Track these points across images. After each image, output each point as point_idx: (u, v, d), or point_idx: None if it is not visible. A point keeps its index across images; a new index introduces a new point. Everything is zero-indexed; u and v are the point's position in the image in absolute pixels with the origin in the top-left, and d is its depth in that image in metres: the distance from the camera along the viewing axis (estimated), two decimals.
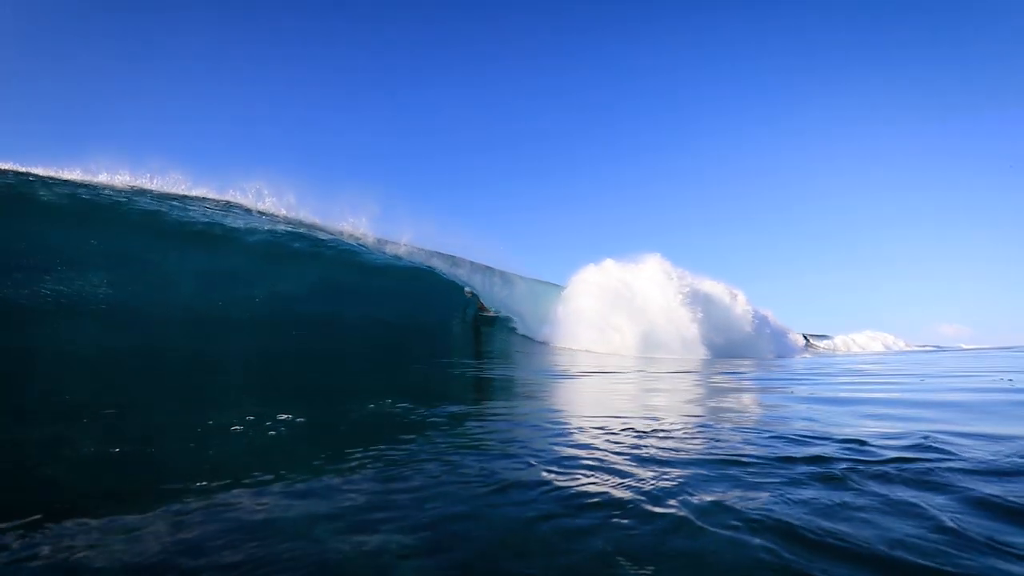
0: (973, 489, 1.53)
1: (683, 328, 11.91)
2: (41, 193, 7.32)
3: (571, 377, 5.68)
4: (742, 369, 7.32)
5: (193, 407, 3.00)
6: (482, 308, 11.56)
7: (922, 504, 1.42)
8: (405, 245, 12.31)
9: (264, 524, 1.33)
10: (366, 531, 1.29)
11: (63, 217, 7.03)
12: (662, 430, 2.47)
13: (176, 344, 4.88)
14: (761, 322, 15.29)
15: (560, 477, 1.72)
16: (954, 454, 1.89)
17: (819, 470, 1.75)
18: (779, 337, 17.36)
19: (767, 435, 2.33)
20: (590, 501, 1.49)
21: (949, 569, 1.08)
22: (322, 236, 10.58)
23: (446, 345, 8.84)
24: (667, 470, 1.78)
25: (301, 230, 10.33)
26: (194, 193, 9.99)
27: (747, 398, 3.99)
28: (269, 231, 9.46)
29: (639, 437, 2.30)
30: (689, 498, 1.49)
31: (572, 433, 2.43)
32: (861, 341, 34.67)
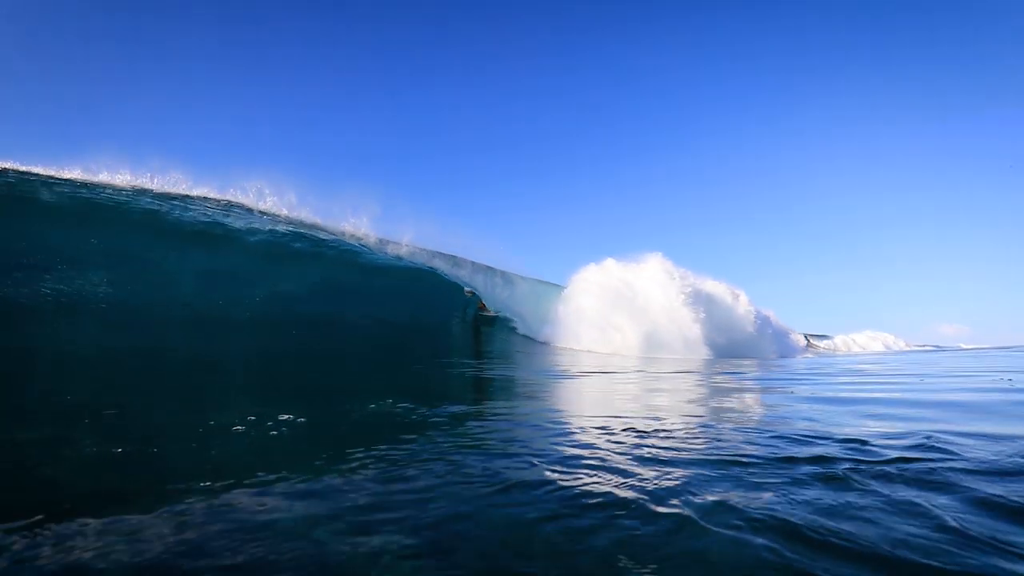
0: (976, 489, 1.52)
1: (685, 328, 11.86)
2: (41, 192, 7.32)
3: (572, 377, 5.67)
4: (743, 369, 7.32)
5: (194, 407, 3.00)
6: (482, 307, 11.54)
7: (925, 504, 1.42)
8: (407, 245, 12.29)
9: (265, 525, 1.33)
10: (368, 532, 1.29)
11: (63, 217, 7.03)
12: (664, 430, 2.46)
13: (178, 344, 4.88)
14: (763, 322, 15.28)
15: (563, 477, 1.72)
16: (956, 454, 1.89)
17: (821, 470, 1.75)
18: (781, 338, 17.36)
19: (768, 435, 2.33)
20: (593, 501, 1.48)
21: (952, 568, 1.08)
22: (324, 236, 10.58)
23: (447, 345, 8.84)
24: (669, 470, 1.78)
25: (302, 230, 10.33)
26: (195, 193, 9.98)
27: (748, 398, 3.99)
28: (270, 231, 9.45)
29: (641, 437, 2.30)
30: (692, 498, 1.49)
31: (574, 433, 2.43)
32: (861, 341, 34.68)
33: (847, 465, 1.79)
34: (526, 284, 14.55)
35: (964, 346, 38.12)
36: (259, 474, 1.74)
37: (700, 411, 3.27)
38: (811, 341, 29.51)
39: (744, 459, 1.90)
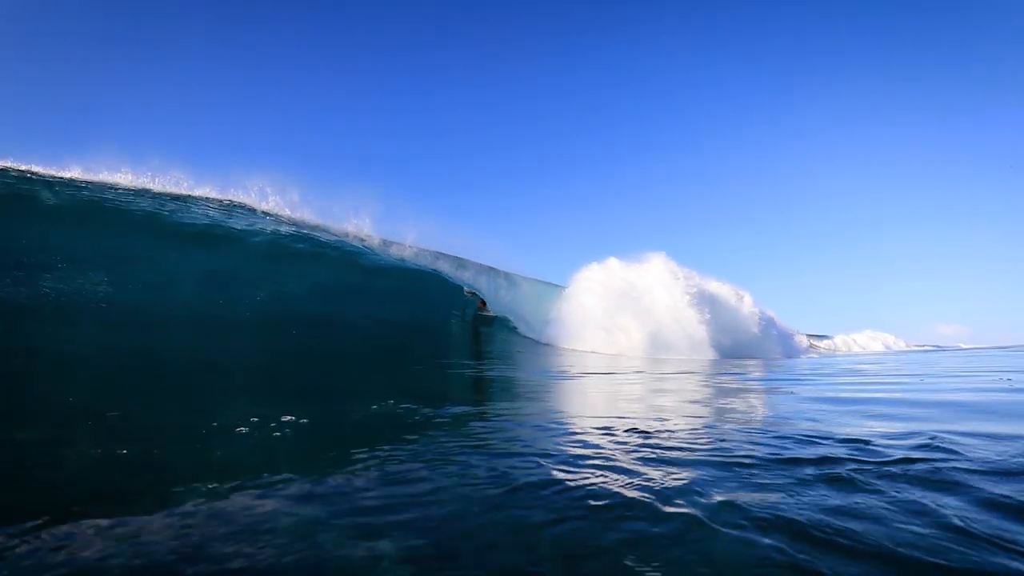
0: (982, 489, 1.53)
1: (691, 329, 11.75)
2: (41, 192, 7.30)
3: (576, 378, 5.67)
4: (746, 370, 7.33)
5: (196, 408, 2.99)
6: (482, 307, 11.50)
7: (931, 504, 1.42)
8: (410, 247, 12.26)
9: (268, 528, 1.32)
10: (372, 536, 1.28)
11: (63, 216, 7.02)
12: (668, 431, 2.47)
13: (180, 344, 4.87)
14: (768, 323, 15.25)
15: (569, 478, 1.72)
16: (960, 454, 1.90)
17: (826, 470, 1.75)
18: (785, 339, 17.31)
19: (772, 435, 2.33)
20: (600, 502, 1.48)
21: (959, 567, 1.09)
22: (326, 238, 10.56)
23: (450, 346, 8.82)
24: (675, 470, 1.78)
25: (305, 231, 10.31)
26: (197, 193, 9.97)
27: (752, 399, 3.99)
28: (273, 232, 9.44)
29: (646, 438, 2.30)
30: (698, 498, 1.49)
31: (578, 433, 2.43)
32: (861, 341, 34.72)
33: (852, 465, 1.79)
34: (527, 285, 14.51)
35: (963, 346, 38.18)
36: (261, 475, 1.74)
37: (704, 412, 3.28)
38: (811, 342, 29.53)
39: (749, 460, 1.90)
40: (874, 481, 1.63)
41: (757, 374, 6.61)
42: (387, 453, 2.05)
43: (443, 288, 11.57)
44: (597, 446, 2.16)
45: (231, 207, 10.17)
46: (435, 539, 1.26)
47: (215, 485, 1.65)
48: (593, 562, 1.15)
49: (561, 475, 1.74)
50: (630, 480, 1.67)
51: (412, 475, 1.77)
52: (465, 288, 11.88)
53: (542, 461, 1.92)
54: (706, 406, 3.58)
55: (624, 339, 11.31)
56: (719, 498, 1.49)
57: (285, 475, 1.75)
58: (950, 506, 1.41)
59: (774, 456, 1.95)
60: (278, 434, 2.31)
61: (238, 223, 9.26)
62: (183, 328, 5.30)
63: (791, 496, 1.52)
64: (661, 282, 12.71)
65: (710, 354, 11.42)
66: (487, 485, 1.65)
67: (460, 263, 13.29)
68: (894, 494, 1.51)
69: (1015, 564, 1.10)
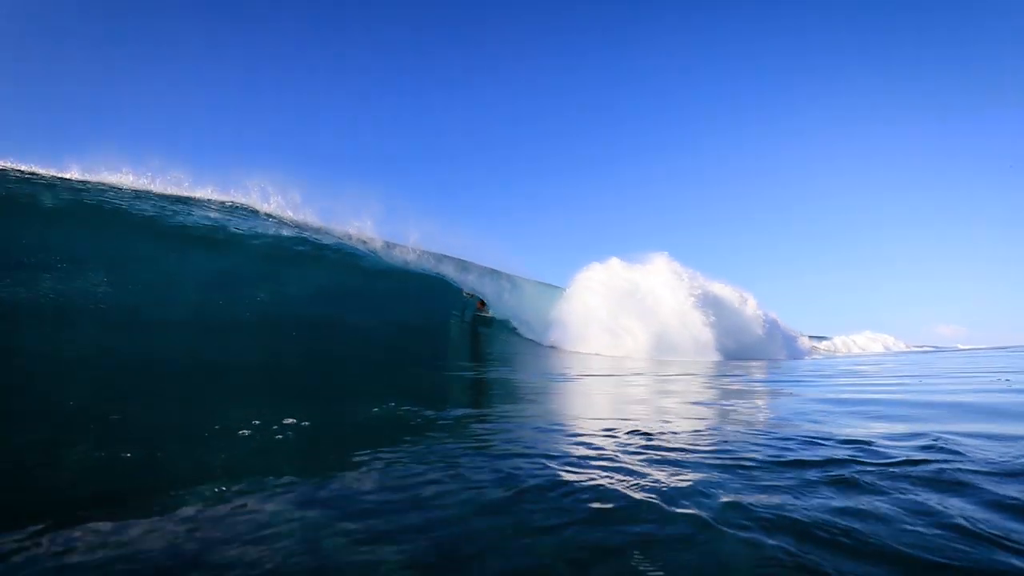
0: (987, 490, 1.53)
1: (696, 331, 11.69)
2: (42, 193, 7.28)
3: (577, 380, 5.67)
4: (748, 371, 7.34)
5: (198, 410, 2.98)
6: (480, 308, 11.44)
7: (935, 505, 1.43)
8: (413, 249, 12.22)
9: (270, 533, 1.31)
10: (374, 541, 1.27)
11: (63, 217, 7.00)
12: (672, 432, 2.47)
13: (181, 347, 4.85)
14: (772, 325, 15.26)
15: (574, 480, 1.71)
16: (963, 455, 1.90)
17: (830, 472, 1.75)
18: (789, 340, 17.34)
19: (775, 437, 2.33)
20: (607, 505, 1.48)
21: (964, 567, 1.09)
22: (328, 240, 10.54)
23: (454, 349, 8.81)
24: (680, 472, 1.78)
25: (306, 234, 10.29)
26: (198, 194, 9.94)
27: (754, 400, 4.00)
28: (275, 235, 9.43)
29: (651, 439, 2.30)
30: (704, 500, 1.49)
31: (582, 436, 2.43)
32: (861, 342, 34.78)
33: (856, 467, 1.80)
34: (530, 287, 14.45)
35: (961, 346, 38.32)
36: (263, 478, 1.73)
37: (707, 413, 3.28)
38: (812, 343, 29.56)
39: (752, 461, 1.91)
40: (878, 482, 1.63)
41: (758, 376, 6.62)
42: (389, 455, 2.05)
43: (445, 291, 11.53)
44: (600, 448, 2.16)
45: (232, 208, 10.15)
46: (437, 543, 1.25)
47: (216, 488, 1.64)
48: (601, 566, 1.15)
49: (565, 477, 1.74)
50: (635, 482, 1.67)
51: (414, 478, 1.76)
52: (464, 290, 11.84)
53: (546, 463, 1.92)
54: (708, 407, 3.58)
55: (630, 341, 11.18)
56: (724, 500, 1.49)
57: (286, 478, 1.74)
58: (955, 507, 1.41)
59: (778, 458, 1.95)
60: (280, 436, 2.30)
61: (240, 225, 9.24)
62: (184, 329, 5.29)
63: (796, 497, 1.52)
64: (665, 283, 12.61)
65: (715, 356, 11.36)
66: (490, 488, 1.65)
67: (463, 266, 13.22)
68: (899, 495, 1.52)
69: (1022, 564, 1.10)
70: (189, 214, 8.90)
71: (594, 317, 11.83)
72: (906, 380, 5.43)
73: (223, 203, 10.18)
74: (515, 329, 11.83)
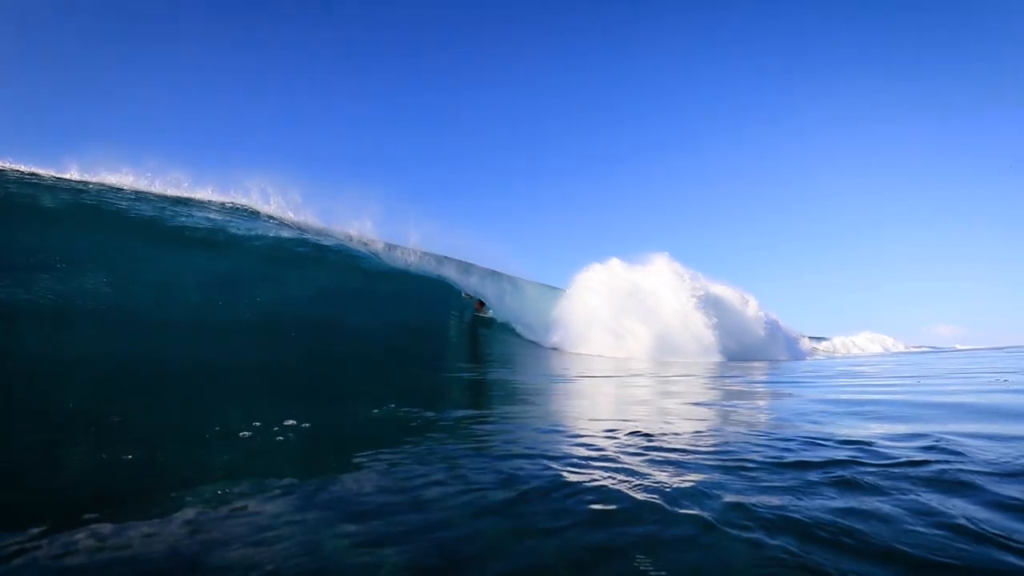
0: (989, 490, 1.53)
1: (699, 332, 11.64)
2: (41, 193, 7.27)
3: (580, 381, 5.67)
4: (748, 372, 7.34)
5: (199, 412, 2.98)
6: (479, 308, 11.42)
7: (938, 505, 1.43)
8: (414, 251, 12.21)
9: (270, 535, 1.31)
10: (375, 543, 1.26)
11: (62, 218, 6.98)
12: (674, 433, 2.47)
13: (182, 348, 4.85)
14: (773, 327, 15.26)
15: (575, 481, 1.71)
16: (965, 455, 1.90)
17: (832, 472, 1.75)
18: (791, 342, 17.35)
19: (776, 438, 2.34)
20: (610, 507, 1.48)
21: (967, 567, 1.09)
22: (329, 242, 10.53)
23: (455, 351, 8.81)
24: (681, 473, 1.78)
25: (307, 235, 10.28)
26: (199, 195, 9.93)
27: (754, 401, 4.00)
28: (275, 236, 9.42)
29: (652, 440, 2.30)
30: (706, 500, 1.49)
31: (585, 436, 2.43)
32: (860, 343, 34.78)
33: (857, 467, 1.80)
34: (531, 288, 14.42)
35: (960, 347, 38.37)
36: (263, 480, 1.72)
37: (709, 414, 3.28)
38: (812, 344, 29.57)
39: (753, 462, 1.91)
40: (880, 483, 1.63)
41: (759, 377, 6.62)
42: (389, 457, 2.05)
43: (447, 293, 11.52)
44: (602, 449, 2.16)
45: (233, 209, 10.14)
46: (439, 544, 1.25)
47: (216, 489, 1.63)
48: (604, 567, 1.15)
49: (567, 479, 1.74)
50: (637, 483, 1.67)
51: (414, 479, 1.76)
52: (463, 292, 11.83)
53: (548, 464, 1.92)
54: (709, 408, 3.59)
55: (633, 343, 11.12)
56: (727, 500, 1.49)
57: (287, 480, 1.73)
58: (957, 507, 1.41)
59: (779, 459, 1.95)
60: (280, 438, 2.30)
61: (240, 226, 9.23)
62: (185, 330, 5.28)
63: (798, 498, 1.52)
64: (667, 283, 12.54)
65: (717, 357, 11.32)
66: (491, 489, 1.64)
67: (465, 267, 13.18)
68: (900, 496, 1.52)
69: None
70: (189, 215, 8.89)
71: (596, 318, 11.77)
72: (905, 381, 5.43)
73: (223, 204, 10.17)
74: (516, 331, 11.80)
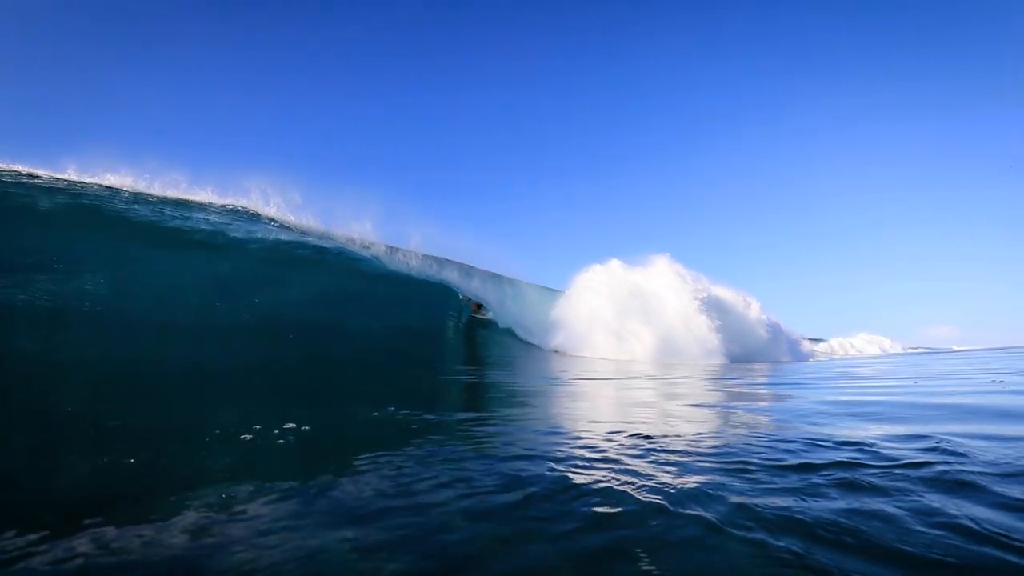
0: (993, 491, 1.53)
1: (702, 335, 11.58)
2: (38, 194, 7.24)
3: (581, 383, 5.68)
4: (749, 374, 7.36)
5: (198, 414, 2.97)
6: (476, 310, 11.38)
7: (939, 505, 1.43)
8: (416, 255, 12.18)
9: (268, 540, 1.30)
10: (375, 548, 1.25)
11: (61, 219, 6.96)
12: (676, 435, 2.47)
13: (181, 350, 4.83)
14: (775, 329, 15.26)
15: (579, 484, 1.70)
16: (966, 456, 1.91)
17: (834, 474, 1.76)
18: (792, 344, 17.36)
19: (777, 439, 2.34)
20: (613, 510, 1.47)
21: (971, 567, 1.09)
22: (329, 244, 10.51)
23: (456, 353, 8.80)
24: (684, 476, 1.78)
25: (308, 238, 10.27)
26: (198, 197, 9.90)
27: (756, 403, 4.01)
28: (275, 239, 9.40)
29: (655, 442, 2.30)
30: (710, 502, 1.49)
31: (587, 438, 2.43)
32: (858, 344, 34.85)
33: (859, 469, 1.80)
34: (533, 291, 14.37)
35: (956, 348, 38.50)
36: (263, 483, 1.71)
37: (710, 416, 3.28)
38: (810, 346, 29.62)
39: (756, 464, 1.91)
40: (882, 484, 1.64)
41: (759, 379, 6.64)
42: (390, 459, 2.04)
43: (448, 296, 11.51)
44: (605, 451, 2.15)
45: (233, 212, 10.12)
46: (441, 547, 1.25)
47: (216, 493, 1.62)
48: (608, 569, 1.15)
49: (570, 481, 1.74)
50: (641, 485, 1.67)
51: (415, 482, 1.75)
52: (461, 295, 11.83)
53: (550, 467, 1.91)
54: (711, 410, 3.59)
55: (636, 345, 11.04)
56: (730, 502, 1.49)
57: (287, 483, 1.72)
58: (960, 508, 1.41)
59: (781, 460, 1.95)
60: (280, 441, 2.29)
61: (240, 228, 9.22)
62: (184, 333, 5.26)
63: (801, 499, 1.52)
64: (668, 285, 12.43)
65: (720, 360, 11.26)
66: (493, 492, 1.64)
67: (467, 271, 13.14)
68: (903, 496, 1.52)
69: None
70: (188, 217, 8.87)
71: (598, 320, 11.67)
72: (903, 382, 5.45)
73: (223, 206, 10.14)
74: (518, 335, 11.77)
